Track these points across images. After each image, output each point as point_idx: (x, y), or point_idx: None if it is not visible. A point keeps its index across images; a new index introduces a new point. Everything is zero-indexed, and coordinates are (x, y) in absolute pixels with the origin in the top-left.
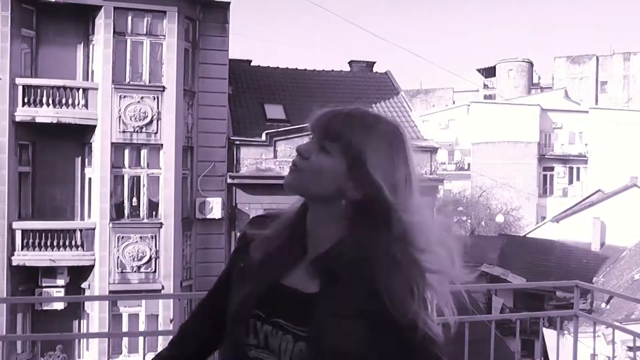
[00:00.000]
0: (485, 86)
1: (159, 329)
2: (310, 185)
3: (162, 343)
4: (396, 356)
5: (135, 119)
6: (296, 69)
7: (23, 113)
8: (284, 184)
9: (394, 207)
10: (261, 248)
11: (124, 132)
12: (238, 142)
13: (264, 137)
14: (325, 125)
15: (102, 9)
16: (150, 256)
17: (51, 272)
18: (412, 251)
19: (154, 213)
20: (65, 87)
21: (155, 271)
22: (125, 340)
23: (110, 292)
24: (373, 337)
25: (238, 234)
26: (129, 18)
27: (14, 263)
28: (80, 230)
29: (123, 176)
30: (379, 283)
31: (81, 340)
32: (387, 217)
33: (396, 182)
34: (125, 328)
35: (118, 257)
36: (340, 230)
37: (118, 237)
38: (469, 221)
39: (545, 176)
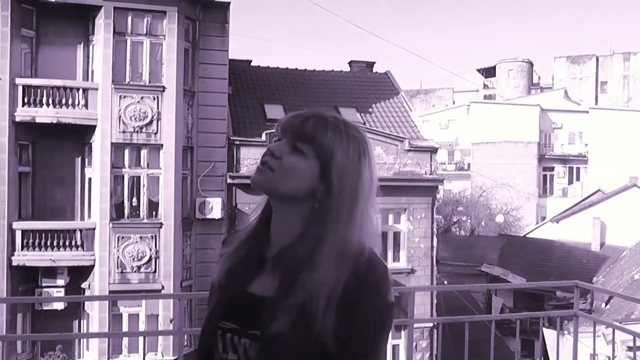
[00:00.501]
0: (485, 86)
1: (159, 329)
2: (282, 185)
3: (162, 343)
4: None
5: (135, 119)
6: (296, 69)
7: (23, 113)
8: (252, 182)
9: (353, 209)
10: (227, 262)
11: (124, 132)
12: (238, 142)
13: (264, 137)
14: (298, 127)
15: (102, 9)
16: (150, 256)
17: (51, 272)
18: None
19: (154, 213)
20: (65, 87)
21: (155, 271)
22: (125, 340)
23: (110, 292)
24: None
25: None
26: (129, 18)
27: (14, 263)
28: (80, 230)
29: (123, 176)
30: (323, 281)
31: (81, 340)
32: (343, 218)
33: (360, 185)
34: (125, 328)
35: (118, 257)
36: (299, 229)
37: (118, 237)
38: (469, 221)
39: (545, 176)
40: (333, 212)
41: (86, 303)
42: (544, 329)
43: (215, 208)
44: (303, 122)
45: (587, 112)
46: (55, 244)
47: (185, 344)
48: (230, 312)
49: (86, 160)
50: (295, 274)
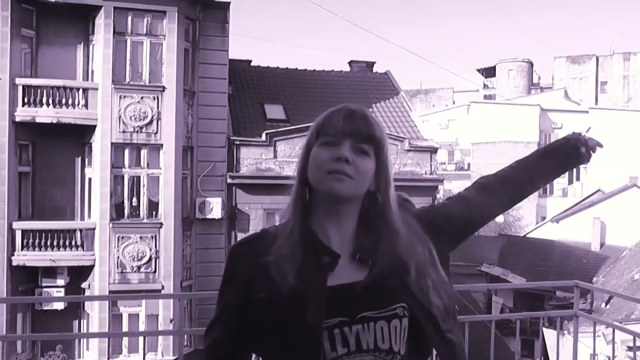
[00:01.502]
0: (485, 86)
1: (159, 329)
2: (360, 189)
3: (162, 343)
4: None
5: (135, 119)
6: (296, 69)
7: (23, 113)
8: (337, 192)
9: (392, 199)
10: (284, 268)
11: (124, 132)
12: (238, 142)
13: (264, 137)
14: (359, 128)
15: (102, 9)
16: (150, 256)
17: (51, 272)
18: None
19: (154, 213)
20: (65, 87)
21: (155, 271)
22: (125, 340)
23: (110, 292)
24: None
25: (230, 245)
26: (129, 18)
27: (14, 263)
28: (80, 230)
29: (123, 176)
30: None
31: (81, 340)
32: (386, 209)
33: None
34: (125, 328)
35: (118, 257)
36: (353, 223)
37: (118, 237)
38: None
39: None
40: (384, 197)
41: (86, 303)
42: (544, 329)
43: (215, 208)
44: (361, 122)
45: (587, 112)
46: (55, 244)
47: (185, 343)
48: (329, 309)
49: (86, 160)
50: (379, 257)
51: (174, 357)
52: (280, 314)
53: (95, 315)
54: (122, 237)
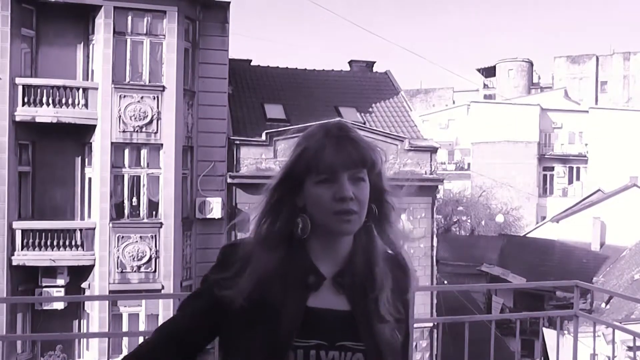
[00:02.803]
0: (485, 86)
1: None
2: (364, 218)
3: None
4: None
5: (135, 118)
6: (296, 69)
7: (23, 113)
8: (349, 232)
9: (389, 217)
10: (269, 279)
11: (124, 132)
12: (238, 142)
13: (264, 137)
14: (352, 157)
15: (102, 9)
16: (150, 256)
17: (51, 272)
18: (399, 255)
19: (154, 213)
20: (65, 87)
21: (155, 271)
22: (125, 340)
23: (110, 292)
24: (402, 334)
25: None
26: (129, 18)
27: (14, 263)
28: (80, 230)
29: (123, 176)
30: (387, 287)
31: (81, 340)
32: (384, 227)
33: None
34: (125, 328)
35: (118, 257)
36: (348, 247)
37: (118, 237)
38: (469, 221)
39: (545, 176)
40: (377, 221)
41: (86, 303)
42: (544, 329)
43: (215, 208)
44: (352, 150)
45: (587, 112)
46: (55, 243)
47: None
48: (307, 329)
49: (86, 160)
50: (360, 288)
51: None
52: (252, 322)
53: (95, 315)
54: (122, 237)
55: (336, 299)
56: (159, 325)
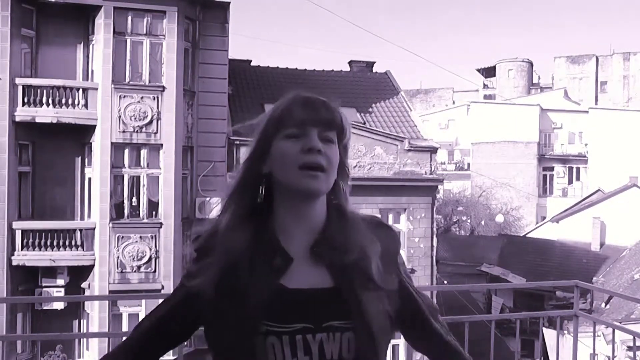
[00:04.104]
0: (485, 86)
1: None
2: (332, 181)
3: None
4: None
5: (135, 118)
6: (296, 69)
7: (23, 113)
8: (314, 190)
9: (348, 192)
10: (231, 269)
11: (124, 132)
12: (238, 142)
13: None
14: (322, 115)
15: (102, 9)
16: (150, 256)
17: (51, 272)
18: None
19: (153, 213)
20: (65, 87)
21: (155, 271)
22: None
23: (110, 292)
24: (390, 302)
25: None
26: (129, 18)
27: (14, 263)
28: (80, 230)
29: (123, 176)
30: (372, 254)
31: (81, 340)
32: (347, 189)
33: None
34: (125, 328)
35: (118, 257)
36: (321, 220)
37: (118, 237)
38: (469, 221)
39: (545, 176)
40: (342, 186)
41: (86, 303)
42: (544, 329)
43: (215, 208)
44: (323, 109)
45: (587, 112)
46: (55, 243)
47: (185, 343)
48: (290, 313)
49: (86, 160)
50: (341, 258)
51: (174, 357)
52: (222, 310)
53: (95, 315)
54: (122, 237)
55: (317, 275)
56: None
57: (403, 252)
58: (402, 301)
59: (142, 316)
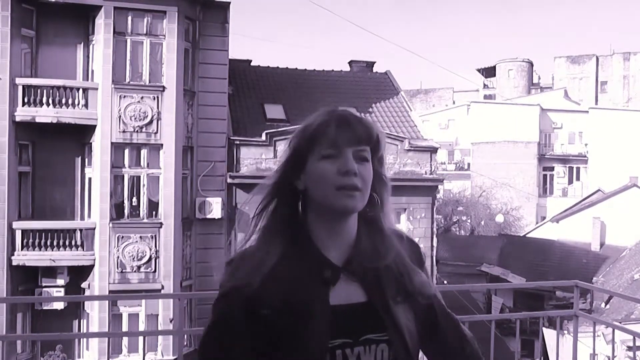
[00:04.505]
0: (485, 86)
1: (159, 329)
2: (367, 199)
3: (162, 343)
4: (430, 326)
5: (135, 119)
6: (296, 69)
7: (23, 113)
8: (352, 209)
9: (388, 201)
10: (278, 286)
11: (124, 132)
12: (238, 142)
13: (264, 137)
14: (357, 133)
15: (102, 9)
16: (150, 256)
17: (51, 272)
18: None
19: (154, 213)
20: (65, 87)
21: (155, 271)
22: (125, 340)
23: (110, 292)
24: (417, 314)
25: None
26: (129, 18)
27: (14, 263)
28: (80, 230)
29: (123, 176)
30: (401, 267)
31: (81, 340)
32: (386, 206)
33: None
34: (125, 328)
35: (118, 257)
36: (353, 234)
37: (118, 237)
38: (469, 221)
39: (545, 176)
40: (377, 198)
41: (86, 303)
42: (544, 329)
43: (215, 208)
44: (358, 127)
45: (587, 112)
46: (55, 243)
47: (185, 343)
48: (339, 329)
49: (86, 160)
50: (373, 273)
51: (174, 357)
52: (282, 332)
53: (95, 315)
54: (122, 237)
55: (351, 291)
56: None
57: None
58: (429, 314)
59: (142, 316)
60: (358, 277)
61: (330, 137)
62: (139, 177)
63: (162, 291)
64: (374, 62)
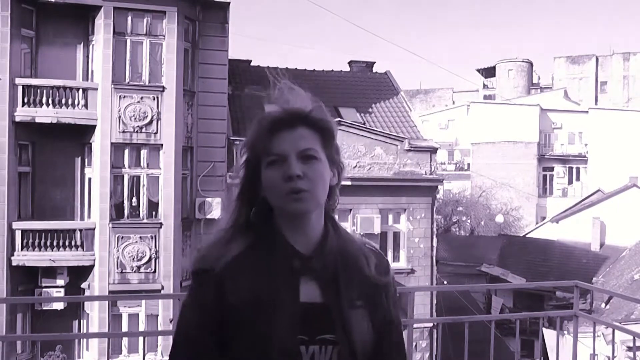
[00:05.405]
0: (485, 86)
1: (159, 329)
2: (321, 195)
3: (162, 343)
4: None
5: (135, 119)
6: (296, 69)
7: (23, 113)
8: (299, 212)
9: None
10: (246, 275)
11: (123, 132)
12: (238, 142)
13: None
14: (296, 135)
15: (102, 9)
16: (150, 256)
17: (51, 272)
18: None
19: (153, 213)
20: (65, 87)
21: (155, 271)
22: (125, 340)
23: (110, 292)
24: (374, 320)
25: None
26: (129, 18)
27: (14, 263)
28: (80, 230)
29: (123, 176)
30: (363, 267)
31: (81, 340)
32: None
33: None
34: (125, 328)
35: (118, 257)
36: (320, 225)
37: (118, 237)
38: (469, 221)
39: (545, 176)
40: (337, 198)
41: (86, 303)
42: (544, 329)
43: (215, 208)
44: (295, 124)
45: (587, 112)
46: (55, 244)
47: None
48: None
49: (86, 160)
50: (333, 273)
51: None
52: (247, 322)
53: (95, 315)
54: (122, 237)
55: (310, 289)
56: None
57: (403, 253)
58: (383, 333)
59: (142, 316)
60: (316, 277)
61: (268, 146)
62: (138, 177)
63: (162, 291)
64: (374, 63)
